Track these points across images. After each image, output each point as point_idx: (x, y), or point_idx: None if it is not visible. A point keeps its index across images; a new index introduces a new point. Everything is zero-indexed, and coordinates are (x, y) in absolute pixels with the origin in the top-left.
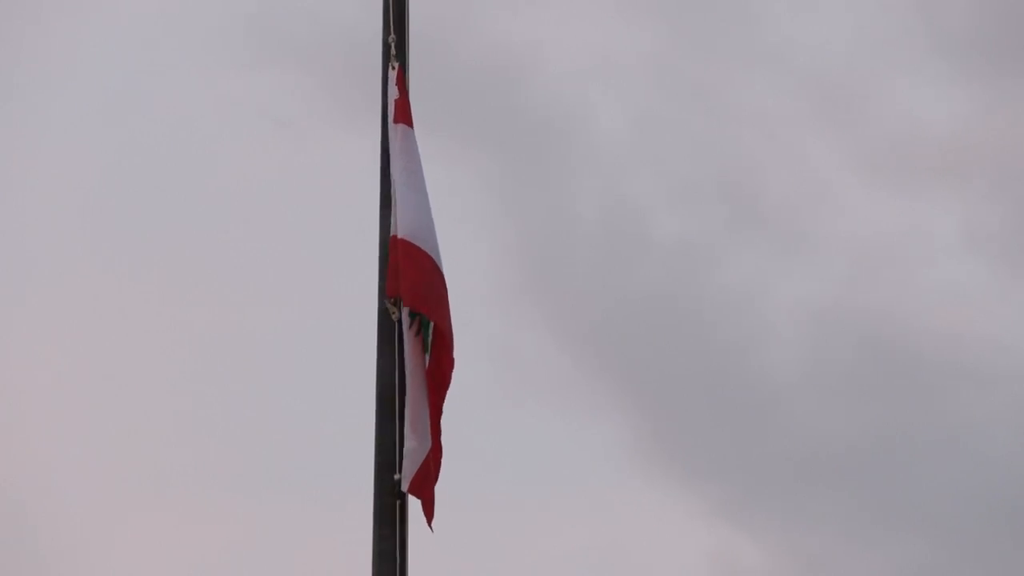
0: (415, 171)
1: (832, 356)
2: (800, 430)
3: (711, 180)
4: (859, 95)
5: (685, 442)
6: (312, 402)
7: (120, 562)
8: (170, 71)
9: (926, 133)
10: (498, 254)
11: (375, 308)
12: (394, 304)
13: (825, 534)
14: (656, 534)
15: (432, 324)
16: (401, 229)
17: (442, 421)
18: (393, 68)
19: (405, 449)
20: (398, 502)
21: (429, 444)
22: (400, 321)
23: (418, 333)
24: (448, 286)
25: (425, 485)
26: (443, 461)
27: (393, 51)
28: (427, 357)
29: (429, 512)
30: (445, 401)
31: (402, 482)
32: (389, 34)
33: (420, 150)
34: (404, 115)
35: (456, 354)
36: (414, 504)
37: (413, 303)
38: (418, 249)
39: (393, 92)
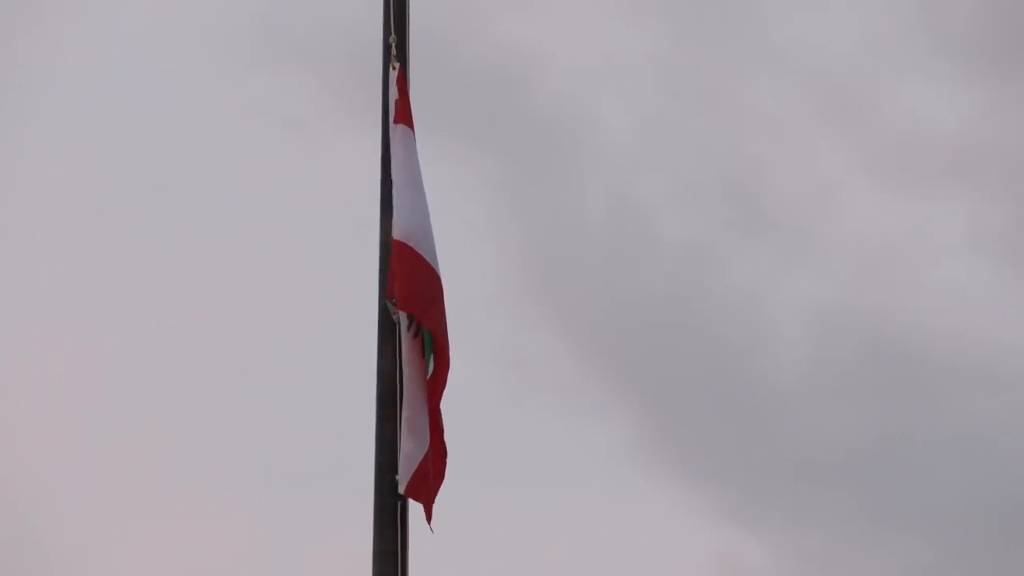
0: (414, 172)
1: (836, 356)
2: (804, 430)
3: (716, 181)
4: (864, 96)
5: (689, 443)
6: (312, 402)
7: (120, 562)
8: (174, 72)
9: (931, 134)
10: (503, 255)
11: (375, 308)
12: (394, 304)
13: (829, 534)
14: (660, 534)
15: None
16: (397, 231)
17: (443, 423)
18: (393, 69)
19: (402, 452)
20: (398, 502)
21: (427, 446)
22: (399, 321)
23: (416, 335)
24: (448, 287)
25: (423, 487)
26: (447, 461)
27: (394, 51)
28: (430, 361)
29: (428, 513)
30: (440, 403)
31: (400, 484)
32: (390, 35)
33: (425, 151)
34: (404, 116)
35: (452, 356)
36: (414, 504)
37: (405, 305)
38: (412, 251)
39: (393, 93)
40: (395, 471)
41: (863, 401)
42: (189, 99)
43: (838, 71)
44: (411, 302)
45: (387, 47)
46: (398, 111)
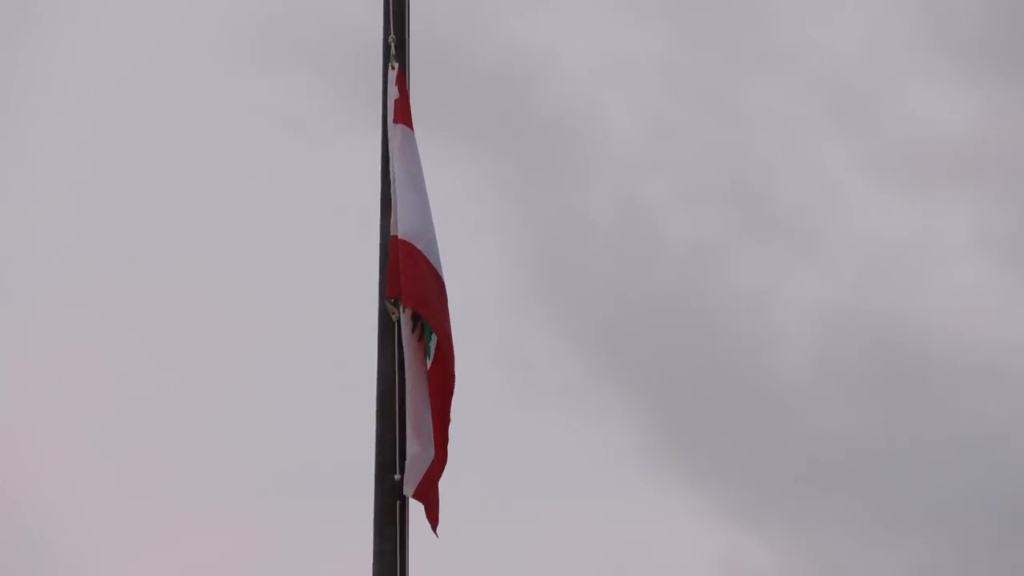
0: (416, 172)
1: (842, 357)
2: (810, 432)
3: (722, 182)
4: (870, 98)
5: (694, 443)
6: (312, 402)
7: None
8: (177, 72)
9: (937, 136)
10: (508, 256)
11: (375, 308)
12: (394, 304)
13: (835, 536)
14: (666, 536)
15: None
16: (402, 231)
17: (450, 428)
18: (393, 68)
19: (408, 455)
20: (398, 503)
21: (433, 451)
22: (400, 321)
23: (420, 338)
24: (453, 288)
25: (432, 492)
26: (450, 463)
27: (393, 51)
28: (428, 362)
29: (434, 518)
30: (449, 411)
31: (406, 487)
32: (389, 34)
33: (429, 152)
34: (404, 116)
35: (457, 359)
36: (415, 505)
37: (414, 304)
38: (419, 252)
39: (393, 92)
40: (395, 471)
41: (869, 402)
42: (191, 99)
43: (844, 73)
44: (420, 302)
45: (387, 47)
46: (398, 111)
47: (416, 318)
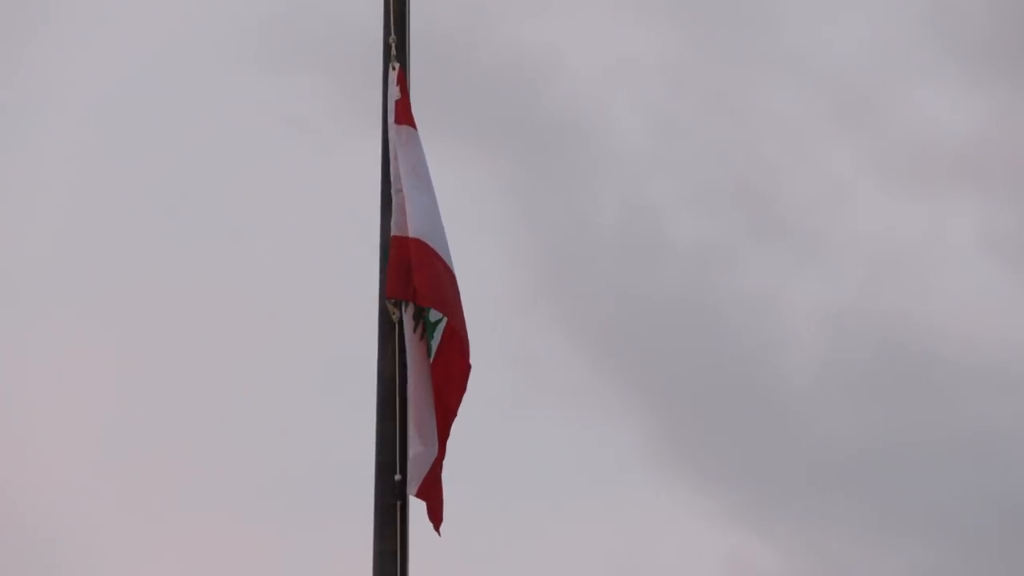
0: (422, 172)
1: (849, 359)
2: (816, 433)
3: (729, 184)
4: (876, 99)
5: (700, 445)
6: (312, 402)
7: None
8: (181, 73)
9: (943, 137)
10: (514, 257)
11: (375, 308)
12: (394, 305)
13: (841, 537)
14: (671, 537)
15: (438, 328)
16: (413, 230)
17: (452, 427)
18: (393, 69)
19: (411, 454)
20: (398, 503)
21: (437, 449)
22: (400, 322)
23: (422, 337)
24: (461, 290)
25: (436, 491)
26: (453, 463)
27: (393, 52)
28: (430, 361)
29: (438, 518)
30: (460, 406)
31: (409, 487)
32: (390, 35)
33: (435, 153)
34: (406, 116)
35: (472, 358)
36: (415, 505)
37: (432, 303)
38: (432, 250)
39: (395, 93)
40: (395, 471)
41: (875, 403)
42: (194, 100)
43: (850, 74)
44: (438, 300)
45: (387, 47)
46: (399, 111)
47: (418, 317)
